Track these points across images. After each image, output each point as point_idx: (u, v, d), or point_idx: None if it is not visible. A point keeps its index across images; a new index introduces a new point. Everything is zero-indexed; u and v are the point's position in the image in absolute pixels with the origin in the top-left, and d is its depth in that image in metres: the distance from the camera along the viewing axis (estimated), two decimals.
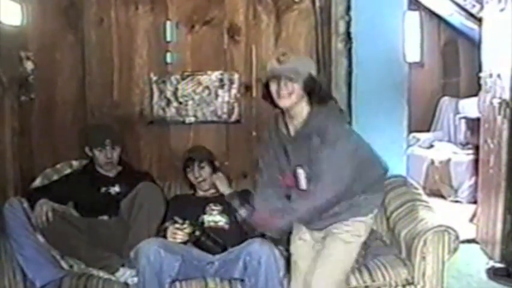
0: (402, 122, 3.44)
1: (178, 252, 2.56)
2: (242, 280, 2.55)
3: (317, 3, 3.37)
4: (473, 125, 5.53)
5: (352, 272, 2.60)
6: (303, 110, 2.30)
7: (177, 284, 2.58)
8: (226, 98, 3.49)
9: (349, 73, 3.28)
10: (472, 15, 5.65)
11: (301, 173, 2.35)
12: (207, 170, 2.98)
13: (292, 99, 2.26)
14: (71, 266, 2.75)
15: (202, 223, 2.84)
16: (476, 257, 3.86)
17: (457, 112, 6.53)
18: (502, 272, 3.51)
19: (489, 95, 3.96)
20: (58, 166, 3.21)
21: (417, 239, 2.61)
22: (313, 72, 2.31)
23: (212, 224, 2.86)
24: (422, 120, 6.59)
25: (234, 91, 3.48)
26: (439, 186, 5.83)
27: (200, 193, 3.02)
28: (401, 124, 3.44)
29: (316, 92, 2.28)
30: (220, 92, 3.48)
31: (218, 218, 2.88)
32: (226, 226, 2.86)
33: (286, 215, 2.34)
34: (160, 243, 2.55)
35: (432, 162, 5.95)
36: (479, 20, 4.88)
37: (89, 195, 2.98)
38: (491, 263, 3.66)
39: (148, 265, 2.45)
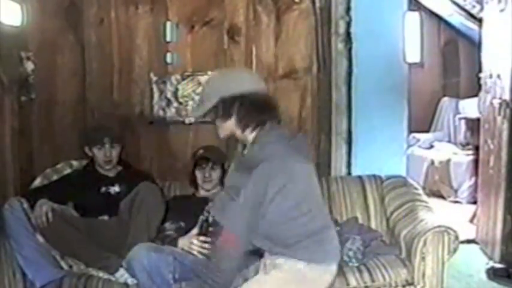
0: (402, 122, 3.44)
1: (168, 252, 2.55)
2: None
3: (317, 3, 3.38)
4: (473, 125, 5.54)
5: (352, 271, 2.60)
6: (247, 138, 1.96)
7: (176, 284, 2.55)
8: None
9: (349, 73, 3.29)
10: (472, 15, 5.66)
11: None
12: (218, 172, 2.97)
13: (221, 130, 1.98)
14: (70, 266, 2.75)
15: (207, 220, 2.83)
16: (476, 257, 3.85)
17: (457, 112, 6.54)
18: (502, 272, 3.51)
19: (489, 96, 3.96)
20: (58, 166, 3.20)
21: (417, 239, 2.61)
22: (229, 93, 1.90)
23: None
24: (422, 121, 6.60)
25: None
26: (439, 186, 5.83)
27: (201, 193, 3.01)
28: (401, 124, 3.44)
29: (243, 115, 1.90)
30: None
31: None
32: None
33: None
34: (149, 247, 2.53)
35: (432, 162, 5.96)
36: (479, 20, 4.88)
37: (89, 195, 2.97)
38: (491, 264, 3.66)
39: (144, 270, 2.43)
